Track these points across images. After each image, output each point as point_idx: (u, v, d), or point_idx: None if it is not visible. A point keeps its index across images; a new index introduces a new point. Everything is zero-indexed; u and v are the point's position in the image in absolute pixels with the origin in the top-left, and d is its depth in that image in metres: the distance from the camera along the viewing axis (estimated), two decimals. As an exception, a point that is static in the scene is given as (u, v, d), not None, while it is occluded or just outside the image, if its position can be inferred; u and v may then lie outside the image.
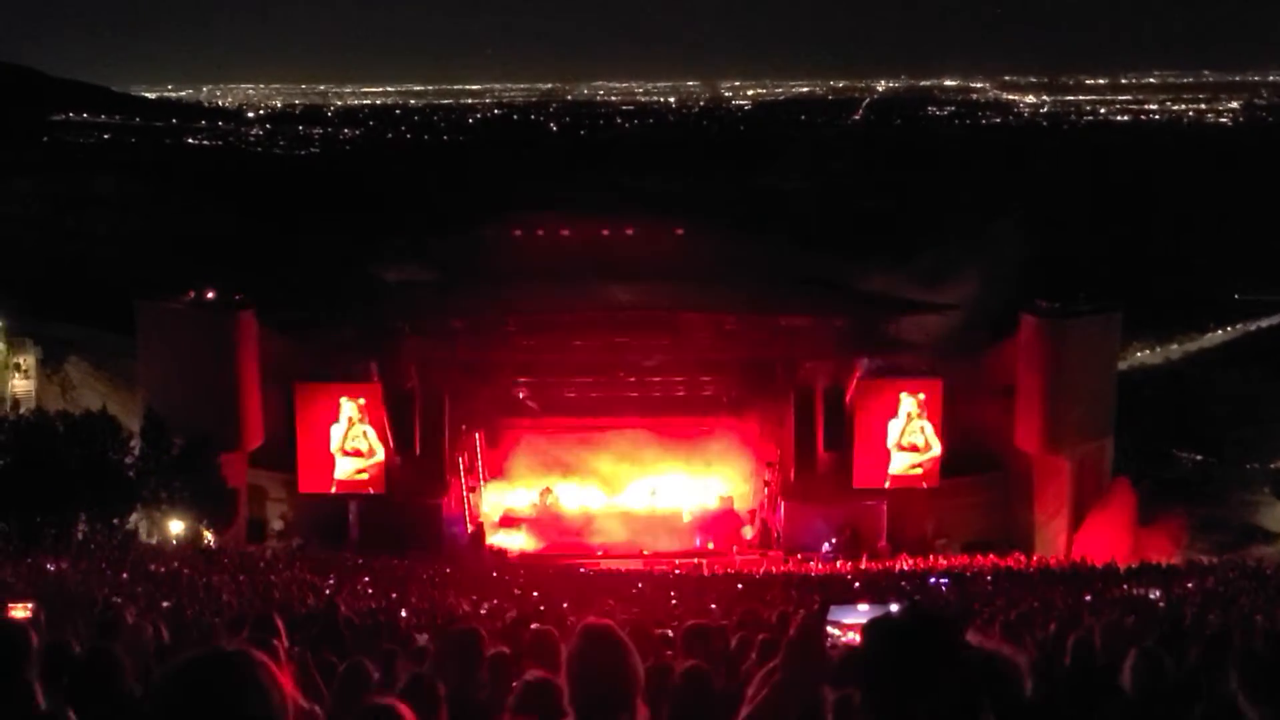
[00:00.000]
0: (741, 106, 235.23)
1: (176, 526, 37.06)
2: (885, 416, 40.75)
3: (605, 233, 43.96)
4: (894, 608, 2.75)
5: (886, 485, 41.09)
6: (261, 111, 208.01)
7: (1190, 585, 26.94)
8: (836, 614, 3.04)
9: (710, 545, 41.98)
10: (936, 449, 40.82)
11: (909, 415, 40.73)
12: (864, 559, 39.15)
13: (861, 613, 2.97)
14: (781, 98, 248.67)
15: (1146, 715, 5.84)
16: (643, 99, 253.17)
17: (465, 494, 42.66)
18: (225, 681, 2.30)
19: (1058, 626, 12.27)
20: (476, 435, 44.17)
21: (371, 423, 40.58)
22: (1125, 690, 6.15)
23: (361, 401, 40.51)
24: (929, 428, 40.77)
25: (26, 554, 27.59)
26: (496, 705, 5.51)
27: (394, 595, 25.66)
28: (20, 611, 10.10)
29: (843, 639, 2.98)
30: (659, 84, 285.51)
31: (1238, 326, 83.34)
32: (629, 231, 44.18)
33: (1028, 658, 6.45)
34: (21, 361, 47.14)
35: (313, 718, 4.99)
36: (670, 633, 13.62)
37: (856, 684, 2.49)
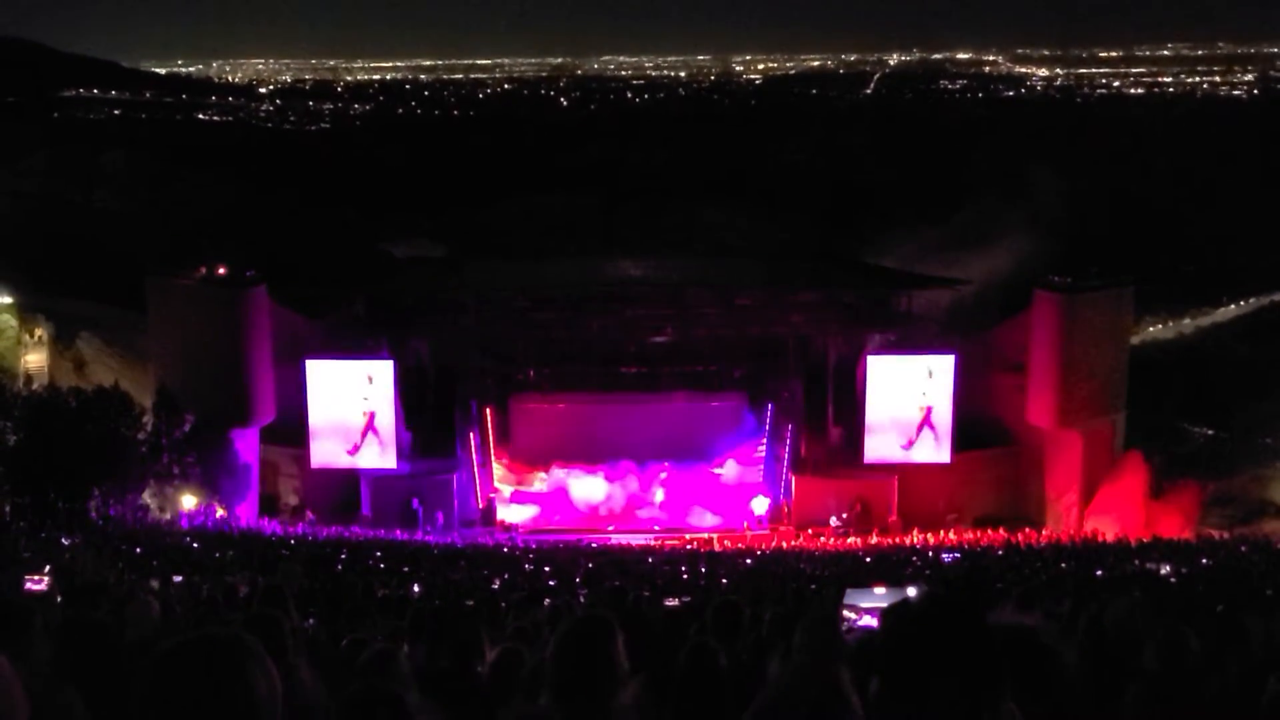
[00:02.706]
0: (752, 81, 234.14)
1: (189, 502, 37.23)
2: (896, 391, 40.66)
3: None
4: (911, 591, 2.70)
5: (897, 460, 41.05)
6: (271, 87, 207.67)
7: (1205, 561, 26.92)
8: (852, 597, 3.01)
9: (717, 520, 42.02)
10: (947, 424, 40.75)
11: (920, 391, 40.64)
12: (874, 534, 39.16)
13: (877, 595, 2.93)
14: (793, 72, 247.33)
15: (1169, 693, 5.81)
16: (653, 73, 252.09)
17: (476, 470, 42.74)
18: (214, 666, 2.30)
19: (1070, 603, 12.25)
20: (487, 411, 44.19)
21: (383, 399, 40.62)
22: (1148, 669, 6.12)
23: (373, 377, 40.54)
24: (940, 403, 40.68)
25: (40, 529, 27.78)
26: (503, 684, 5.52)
27: (405, 570, 25.79)
28: (36, 584, 10.17)
29: (859, 622, 2.95)
30: (669, 58, 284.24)
31: (1250, 300, 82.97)
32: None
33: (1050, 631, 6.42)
34: (36, 330, 47.33)
35: (315, 695, 4.99)
36: (675, 601, 13.66)
37: (874, 670, 2.45)
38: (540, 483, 44.41)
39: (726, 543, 38.60)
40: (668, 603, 13.67)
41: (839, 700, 3.15)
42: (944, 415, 40.65)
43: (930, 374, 40.57)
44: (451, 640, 6.97)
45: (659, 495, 42.93)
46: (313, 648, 7.07)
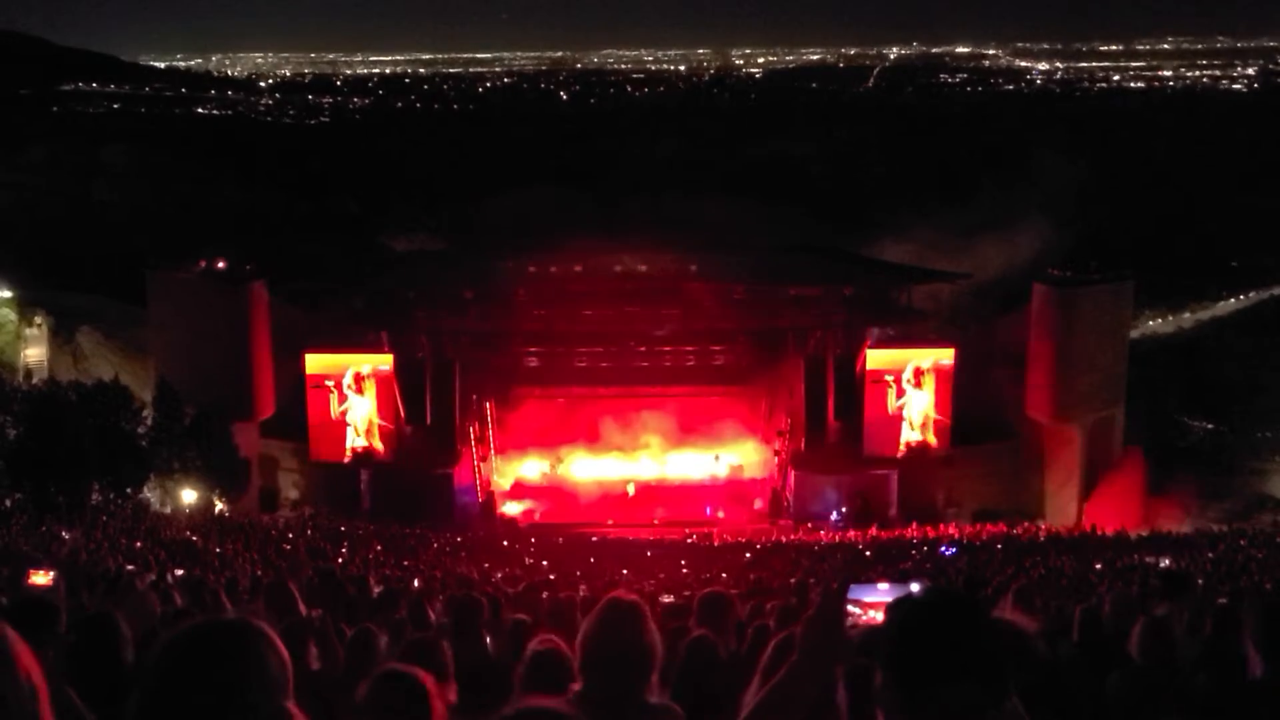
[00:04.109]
0: (752, 74, 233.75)
1: (189, 495, 37.26)
2: (895, 385, 40.68)
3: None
4: (915, 587, 2.71)
5: (897, 454, 41.07)
6: (271, 81, 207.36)
7: (1210, 554, 26.93)
8: (856, 593, 3.00)
9: (720, 514, 42.05)
10: (946, 417, 40.79)
11: (919, 383, 40.67)
12: (874, 528, 39.16)
13: (882, 592, 2.92)
14: (792, 65, 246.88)
15: (1154, 683, 5.84)
16: (653, 67, 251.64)
17: (476, 463, 42.76)
18: (223, 650, 2.32)
19: (1067, 596, 12.29)
20: (487, 405, 44.22)
21: (382, 392, 40.65)
22: (1133, 659, 6.15)
23: (373, 371, 40.57)
24: (939, 397, 40.71)
25: (40, 523, 27.79)
26: (510, 672, 5.54)
27: (406, 564, 25.81)
28: (41, 578, 10.18)
29: (862, 618, 2.94)
30: (669, 52, 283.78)
31: (1250, 295, 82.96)
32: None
33: (1037, 625, 6.46)
34: (35, 319, 47.39)
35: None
36: (671, 598, 13.67)
37: (878, 665, 2.45)
38: (540, 476, 44.47)
39: (725, 536, 38.60)
40: (664, 599, 13.68)
41: (835, 702, 3.15)
42: (943, 409, 40.69)
43: (930, 367, 40.61)
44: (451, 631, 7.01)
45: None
46: (321, 639, 7.11)
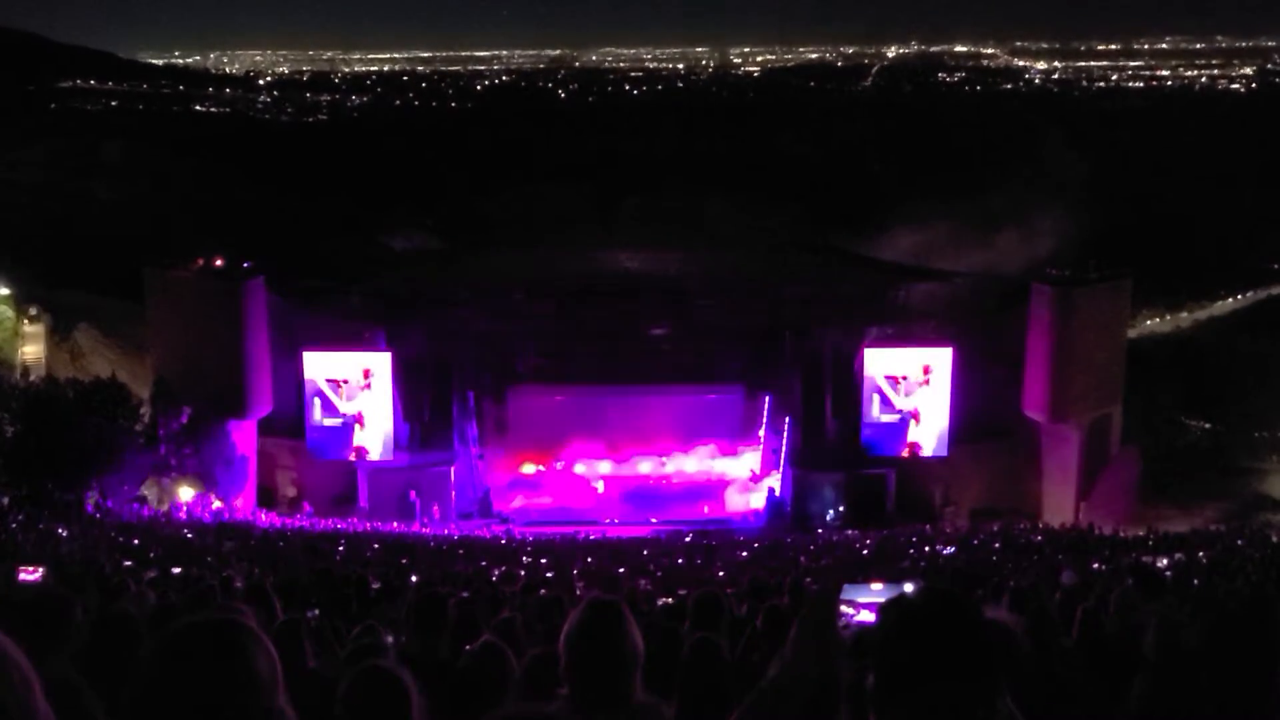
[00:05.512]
0: (751, 73, 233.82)
1: (186, 494, 37.25)
2: (893, 384, 40.68)
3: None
4: (908, 587, 2.70)
5: (894, 453, 41.06)
6: (269, 78, 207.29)
7: (1202, 554, 26.93)
8: (849, 592, 2.99)
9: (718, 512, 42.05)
10: (945, 416, 40.77)
11: (917, 383, 40.66)
12: (871, 527, 39.13)
13: (875, 591, 2.92)
14: (791, 64, 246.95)
15: (1168, 683, 5.84)
16: (651, 65, 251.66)
17: (473, 461, 42.77)
18: (217, 647, 2.34)
19: (1064, 596, 12.28)
20: (484, 402, 44.21)
21: (380, 390, 40.63)
22: (1146, 658, 6.14)
23: (371, 369, 40.54)
24: (937, 395, 40.70)
25: (38, 520, 27.79)
26: (500, 673, 5.52)
27: (403, 561, 25.80)
28: (29, 574, 10.19)
29: (855, 618, 2.93)
30: (668, 50, 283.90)
31: (1248, 294, 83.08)
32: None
33: (1024, 624, 6.46)
34: (34, 314, 47.45)
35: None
36: (670, 600, 13.66)
37: (870, 665, 2.44)
38: (537, 474, 44.46)
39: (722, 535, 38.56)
40: (661, 601, 13.66)
41: (834, 698, 3.14)
42: (941, 408, 40.69)
43: (928, 366, 40.60)
44: (449, 631, 7.00)
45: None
46: (317, 638, 7.10)
